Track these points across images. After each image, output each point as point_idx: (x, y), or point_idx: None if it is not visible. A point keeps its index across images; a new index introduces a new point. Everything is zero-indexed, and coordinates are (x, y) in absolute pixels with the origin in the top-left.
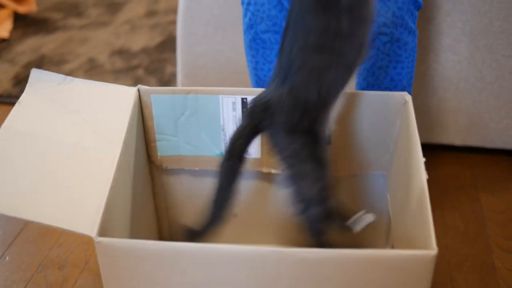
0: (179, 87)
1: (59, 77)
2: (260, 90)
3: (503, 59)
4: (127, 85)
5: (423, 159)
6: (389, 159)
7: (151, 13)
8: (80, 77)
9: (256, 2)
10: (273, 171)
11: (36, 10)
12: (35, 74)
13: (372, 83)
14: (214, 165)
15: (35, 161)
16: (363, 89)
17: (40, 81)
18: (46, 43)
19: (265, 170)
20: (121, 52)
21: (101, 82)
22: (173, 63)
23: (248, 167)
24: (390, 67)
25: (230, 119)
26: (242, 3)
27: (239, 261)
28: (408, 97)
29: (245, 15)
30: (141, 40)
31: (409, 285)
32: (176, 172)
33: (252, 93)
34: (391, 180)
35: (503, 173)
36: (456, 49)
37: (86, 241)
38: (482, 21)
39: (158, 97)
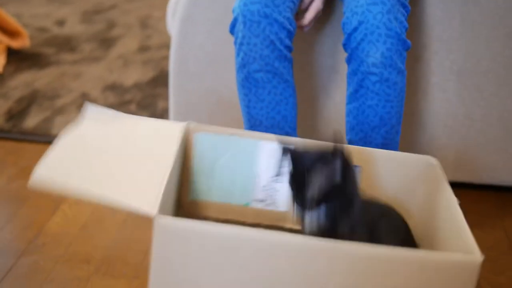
0: (224, 127)
1: (112, 111)
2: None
3: (491, 97)
4: None
5: (457, 201)
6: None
7: (143, 49)
8: (73, 112)
9: (249, 42)
10: (295, 227)
11: (29, 45)
12: (90, 108)
13: (362, 121)
14: (241, 216)
15: (93, 161)
16: (353, 127)
17: (94, 113)
18: (39, 78)
19: (288, 225)
20: (113, 87)
21: (150, 118)
22: (166, 98)
23: (271, 220)
24: (380, 106)
25: (266, 166)
26: (235, 43)
27: (293, 251)
28: (436, 161)
29: (237, 54)
30: (133, 75)
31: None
32: (201, 219)
33: (289, 142)
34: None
35: (491, 208)
36: (444, 87)
37: (78, 276)
38: (470, 60)
39: (202, 135)
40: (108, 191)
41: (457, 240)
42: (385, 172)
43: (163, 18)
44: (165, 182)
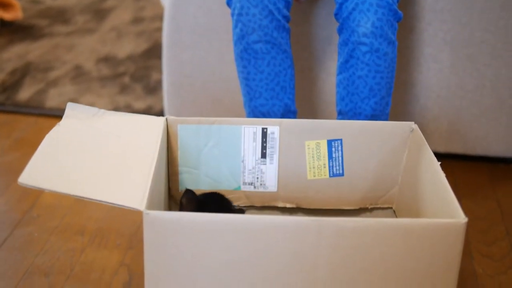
0: (204, 118)
1: (93, 109)
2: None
3: (484, 68)
4: (113, 92)
5: (438, 163)
6: (398, 193)
7: (137, 20)
8: (67, 84)
9: (248, 12)
10: (288, 205)
11: (22, 17)
12: (71, 107)
13: (352, 92)
14: (233, 200)
15: (80, 159)
16: (343, 98)
17: (76, 112)
18: (32, 50)
19: (280, 204)
20: (107, 59)
21: (131, 114)
22: (159, 70)
23: (263, 201)
24: (370, 76)
25: (250, 150)
26: (232, 15)
27: (282, 231)
28: (414, 125)
29: (235, 26)
30: (127, 47)
31: (442, 252)
32: None
33: (273, 123)
34: (401, 215)
35: (484, 180)
36: (437, 58)
37: (72, 247)
38: (463, 31)
39: (184, 127)
40: (96, 189)
41: (441, 203)
42: (368, 142)
43: None
44: (151, 176)
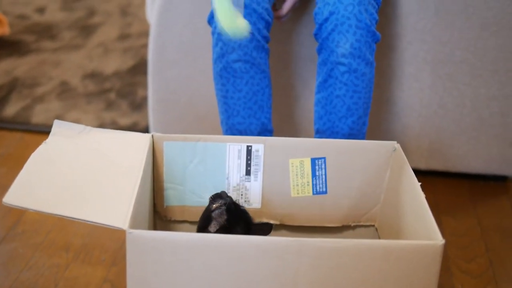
0: (190, 135)
1: (80, 126)
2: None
3: (464, 87)
4: (99, 109)
5: (418, 183)
6: (380, 211)
7: (123, 36)
8: (53, 101)
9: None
10: (271, 221)
11: (9, 33)
12: (58, 124)
13: (330, 111)
14: None
15: (65, 177)
16: (321, 116)
17: (62, 129)
18: (19, 65)
19: (264, 221)
20: (93, 75)
21: (117, 131)
22: (145, 86)
23: None
24: (348, 96)
25: (235, 167)
26: (213, 33)
27: (262, 251)
28: (397, 145)
29: (216, 44)
30: (113, 63)
31: (420, 272)
32: (179, 223)
33: (257, 141)
34: (383, 233)
35: (464, 197)
36: (418, 77)
37: (56, 263)
38: (444, 50)
39: (170, 144)
40: (81, 208)
41: (420, 224)
42: (351, 161)
43: (143, 5)
44: (135, 194)
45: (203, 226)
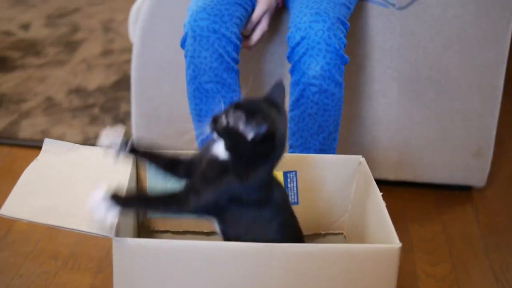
0: (171, 151)
1: (68, 144)
2: None
3: (429, 102)
4: (83, 123)
5: (380, 193)
6: (348, 219)
7: (106, 52)
8: (39, 116)
9: (199, 55)
10: None
11: None
12: (48, 142)
13: (302, 128)
14: (195, 227)
15: (56, 190)
16: (294, 133)
17: (52, 147)
18: (5, 81)
19: None
20: (78, 91)
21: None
22: (128, 101)
23: None
24: (319, 114)
25: None
26: (186, 56)
27: (237, 256)
28: (362, 158)
29: (188, 67)
30: (97, 79)
31: (380, 273)
32: (162, 233)
33: None
34: (350, 239)
35: (430, 205)
36: (386, 93)
37: (46, 271)
38: (410, 68)
39: None
40: (70, 219)
41: (381, 230)
42: (320, 174)
43: (125, 21)
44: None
45: (236, 144)
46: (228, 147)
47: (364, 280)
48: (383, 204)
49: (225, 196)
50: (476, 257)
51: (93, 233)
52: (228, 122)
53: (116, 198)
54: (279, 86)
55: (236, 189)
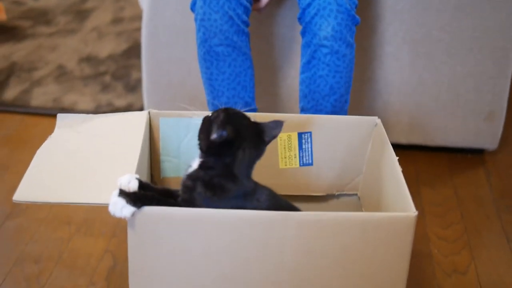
0: (184, 111)
1: (82, 116)
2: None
3: (441, 65)
4: (95, 91)
5: (396, 157)
6: (362, 180)
7: (117, 21)
8: (50, 84)
9: (209, 18)
10: None
11: (6, 19)
12: (61, 117)
13: (313, 90)
14: None
15: (69, 166)
16: (305, 95)
17: (66, 121)
18: (16, 50)
19: None
20: (89, 59)
21: (117, 114)
22: (139, 69)
23: None
24: (330, 76)
25: None
26: (196, 20)
27: (251, 224)
28: (378, 120)
29: (198, 30)
30: (108, 47)
31: (395, 242)
32: None
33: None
34: (365, 200)
35: (443, 169)
36: (398, 56)
37: (60, 236)
38: (421, 30)
39: (166, 120)
40: (85, 193)
41: (397, 196)
42: (335, 135)
43: None
44: (135, 168)
45: (205, 137)
46: (201, 145)
47: (379, 248)
48: (399, 169)
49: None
50: (488, 219)
51: (106, 203)
52: (211, 117)
53: (129, 198)
54: (278, 122)
55: (213, 202)
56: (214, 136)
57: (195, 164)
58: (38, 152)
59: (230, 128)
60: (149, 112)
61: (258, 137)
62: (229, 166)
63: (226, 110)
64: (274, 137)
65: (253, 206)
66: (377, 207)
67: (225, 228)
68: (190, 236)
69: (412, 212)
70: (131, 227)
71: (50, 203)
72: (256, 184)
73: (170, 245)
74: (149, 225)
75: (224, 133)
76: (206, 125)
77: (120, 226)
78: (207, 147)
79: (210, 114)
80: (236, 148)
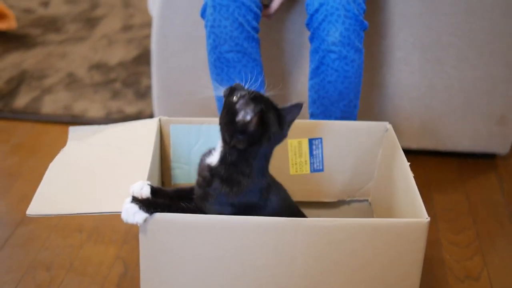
0: (195, 118)
1: (93, 127)
2: None
3: (451, 69)
4: (105, 98)
5: (407, 163)
6: (374, 186)
7: (126, 28)
8: (61, 91)
9: (220, 25)
10: None
11: (16, 27)
12: (73, 130)
13: (322, 95)
14: None
15: (81, 178)
16: (314, 101)
17: (78, 134)
18: (26, 58)
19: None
20: (99, 66)
21: (128, 122)
22: (149, 75)
23: None
24: (339, 81)
25: None
26: (206, 26)
27: (263, 230)
28: (389, 125)
29: (208, 37)
30: (117, 54)
31: (407, 248)
32: None
33: None
34: (376, 206)
35: (454, 174)
36: (408, 61)
37: (71, 244)
38: (431, 35)
39: (176, 126)
40: (98, 203)
41: (409, 201)
42: (346, 140)
43: None
44: (146, 176)
45: (229, 120)
46: (220, 121)
47: (391, 255)
48: (410, 174)
49: (227, 208)
50: (500, 224)
51: (118, 211)
52: (235, 98)
53: (142, 204)
54: (297, 105)
55: (228, 198)
56: (247, 117)
57: (216, 153)
58: (51, 166)
59: (261, 108)
60: (159, 119)
61: (280, 123)
62: (249, 159)
63: (252, 92)
64: (293, 120)
65: (264, 205)
66: (388, 213)
67: (236, 235)
68: (202, 242)
69: (425, 218)
70: (142, 234)
71: (62, 215)
72: (271, 182)
73: (181, 252)
74: (160, 232)
75: (250, 115)
76: (230, 109)
77: (131, 233)
78: (231, 135)
79: (235, 98)
80: (263, 134)
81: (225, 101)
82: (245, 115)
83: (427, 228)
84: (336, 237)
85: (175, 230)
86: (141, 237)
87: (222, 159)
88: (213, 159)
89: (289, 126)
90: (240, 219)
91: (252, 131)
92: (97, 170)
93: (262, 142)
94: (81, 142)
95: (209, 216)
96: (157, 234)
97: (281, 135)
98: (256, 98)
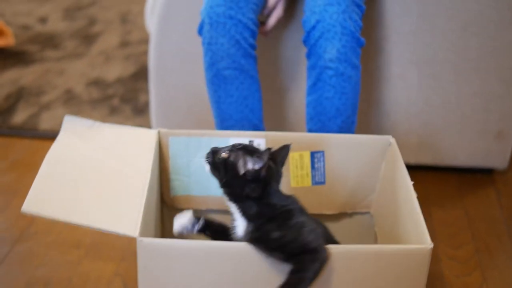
0: (194, 130)
1: (89, 122)
2: None
3: (448, 85)
4: (103, 114)
5: (411, 182)
6: (375, 199)
7: (124, 44)
8: (59, 108)
9: (216, 42)
10: None
11: (14, 43)
12: (68, 119)
13: (320, 112)
14: (220, 205)
15: (77, 181)
16: (312, 118)
17: (73, 125)
18: (24, 75)
19: None
20: (97, 83)
21: (126, 126)
22: (147, 91)
23: None
24: (336, 98)
25: None
26: (203, 43)
27: (257, 255)
28: (392, 139)
29: (206, 54)
30: (115, 70)
31: (410, 274)
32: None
33: (259, 136)
34: (378, 219)
35: (452, 189)
36: (405, 77)
37: (69, 260)
38: (428, 51)
39: (175, 139)
40: (94, 216)
41: (411, 223)
42: (348, 154)
43: (142, 13)
44: (143, 201)
45: (232, 176)
46: (222, 183)
47: (393, 281)
48: (414, 195)
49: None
50: (499, 239)
51: (116, 232)
52: (229, 157)
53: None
54: (285, 147)
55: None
56: (257, 165)
57: (237, 221)
58: (46, 159)
59: (264, 159)
60: (158, 132)
61: (276, 165)
62: (269, 201)
63: (236, 145)
64: (284, 161)
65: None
66: (390, 226)
67: (235, 260)
68: (200, 268)
69: (428, 244)
70: (140, 258)
71: (58, 220)
72: (290, 206)
73: (180, 277)
74: (159, 257)
75: (258, 165)
76: (226, 166)
77: (129, 250)
78: (241, 187)
79: (224, 155)
80: (268, 178)
81: (212, 164)
82: (254, 163)
83: (430, 254)
84: (337, 264)
85: (173, 255)
86: (139, 262)
87: (247, 218)
88: (239, 230)
89: (281, 166)
90: (239, 245)
91: (264, 175)
92: (94, 177)
93: (271, 182)
94: (76, 136)
95: (207, 242)
96: (155, 258)
97: (280, 173)
98: (246, 147)
